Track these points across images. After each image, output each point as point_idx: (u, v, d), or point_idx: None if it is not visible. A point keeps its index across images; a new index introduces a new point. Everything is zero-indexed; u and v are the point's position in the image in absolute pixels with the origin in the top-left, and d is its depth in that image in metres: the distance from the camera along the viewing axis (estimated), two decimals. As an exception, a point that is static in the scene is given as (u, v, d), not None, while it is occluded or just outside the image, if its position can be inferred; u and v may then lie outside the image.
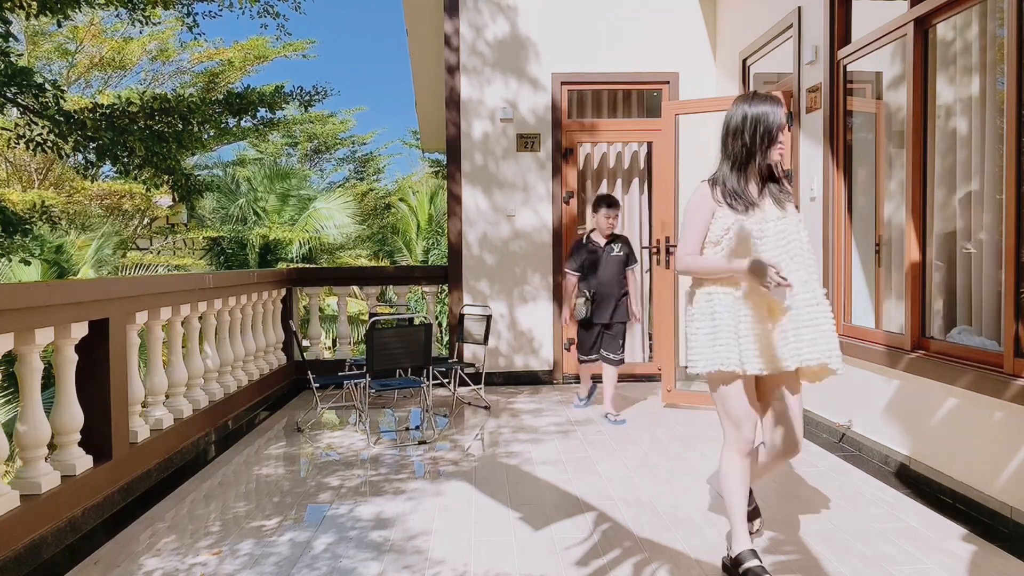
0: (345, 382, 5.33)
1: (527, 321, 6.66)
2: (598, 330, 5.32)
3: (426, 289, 7.15)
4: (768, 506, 3.42)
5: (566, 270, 5.47)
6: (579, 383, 6.75)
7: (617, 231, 5.48)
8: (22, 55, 13.37)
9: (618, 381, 6.61)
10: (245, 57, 16.87)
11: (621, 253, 5.29)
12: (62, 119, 7.06)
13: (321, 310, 8.73)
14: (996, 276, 3.43)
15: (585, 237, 5.38)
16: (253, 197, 16.72)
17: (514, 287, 6.66)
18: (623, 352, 5.36)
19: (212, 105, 8.58)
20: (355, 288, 8.95)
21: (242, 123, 10.97)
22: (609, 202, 5.28)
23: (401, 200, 20.09)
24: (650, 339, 6.94)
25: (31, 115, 7.25)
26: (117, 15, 11.95)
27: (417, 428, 5.13)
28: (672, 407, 5.60)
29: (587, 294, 5.25)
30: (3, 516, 2.72)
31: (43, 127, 7.29)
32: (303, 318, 11.05)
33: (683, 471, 4.02)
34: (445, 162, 8.66)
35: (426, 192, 18.90)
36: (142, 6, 7.75)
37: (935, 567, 2.76)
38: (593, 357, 5.40)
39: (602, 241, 5.31)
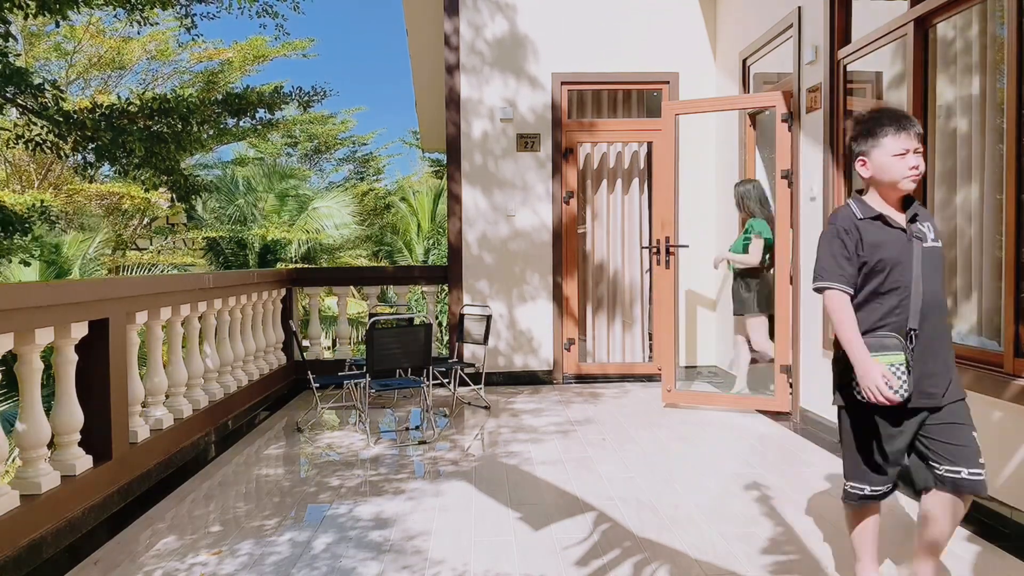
0: (345, 382, 5.33)
1: (527, 321, 6.66)
2: (922, 419, 2.34)
3: (426, 289, 7.15)
4: (768, 506, 3.43)
5: (828, 284, 2.36)
6: (578, 383, 6.71)
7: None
8: (20, 55, 13.37)
9: (619, 380, 6.64)
10: (244, 57, 16.87)
11: (939, 242, 2.40)
12: (61, 119, 7.06)
13: (320, 311, 8.72)
14: (996, 276, 3.43)
15: (857, 207, 2.40)
16: (253, 198, 16.72)
17: (513, 287, 6.66)
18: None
19: (211, 106, 8.58)
20: (354, 288, 8.94)
21: (241, 123, 10.98)
22: (900, 120, 2.34)
23: (402, 200, 20.10)
24: (650, 339, 6.94)
25: (30, 115, 7.25)
26: (116, 15, 11.96)
27: (417, 428, 5.13)
28: (672, 407, 5.60)
29: (900, 338, 2.28)
30: (3, 516, 2.72)
31: (42, 127, 7.29)
32: (303, 318, 11.04)
33: (683, 471, 4.02)
34: (445, 162, 8.65)
35: (427, 192, 18.89)
36: (140, 6, 7.75)
37: (935, 567, 2.76)
38: (887, 487, 2.43)
39: (898, 216, 2.39)
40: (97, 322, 3.42)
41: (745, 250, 5.48)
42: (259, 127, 13.63)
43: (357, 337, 14.98)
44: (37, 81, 7.11)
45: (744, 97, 5.94)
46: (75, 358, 3.29)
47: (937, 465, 2.31)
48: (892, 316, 2.33)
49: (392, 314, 7.36)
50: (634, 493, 3.65)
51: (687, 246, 5.97)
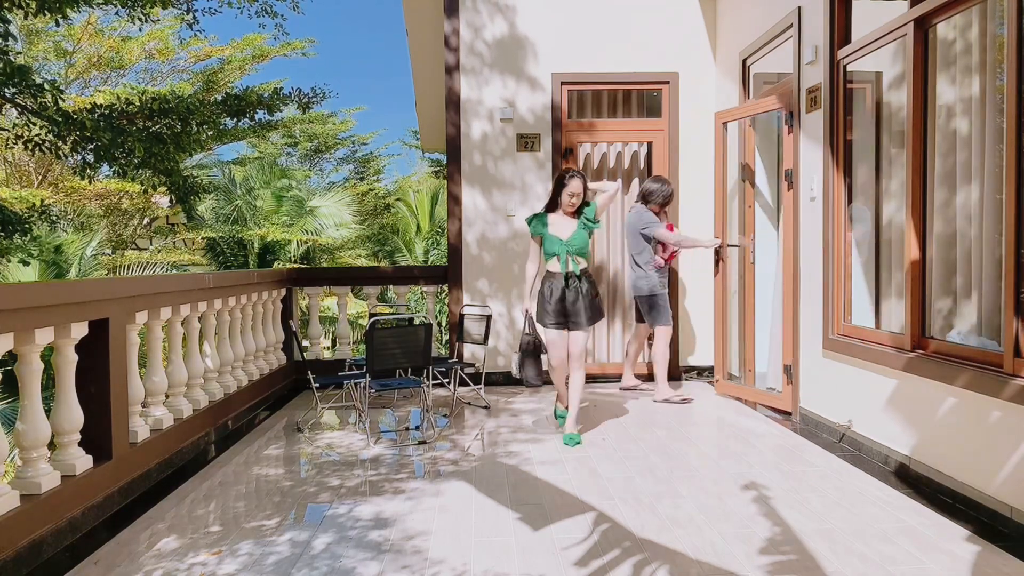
0: (345, 382, 5.33)
1: (527, 321, 6.65)
2: None
3: (426, 289, 7.15)
4: (768, 506, 3.43)
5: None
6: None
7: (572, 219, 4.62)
8: (20, 54, 13.36)
9: (618, 380, 6.64)
10: (244, 57, 16.86)
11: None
12: (60, 119, 7.04)
13: (320, 311, 8.71)
14: (996, 276, 3.43)
15: None
16: (252, 198, 16.71)
17: (513, 287, 6.65)
18: None
19: (211, 106, 8.57)
20: (350, 289, 8.94)
21: (240, 124, 10.98)
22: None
23: (400, 200, 20.10)
24: (650, 339, 6.93)
25: (29, 115, 7.24)
26: (116, 13, 11.95)
27: (417, 428, 5.13)
28: (725, 396, 5.89)
29: None
30: (3, 516, 2.72)
31: (41, 127, 7.28)
32: (303, 318, 11.03)
33: (683, 471, 4.02)
34: (445, 162, 8.65)
35: (427, 192, 18.89)
36: (141, 4, 7.74)
37: (935, 567, 2.76)
38: None
39: None
40: (97, 322, 3.42)
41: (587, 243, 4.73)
42: (259, 128, 13.65)
43: (357, 337, 14.98)
44: (37, 81, 7.10)
45: (772, 99, 5.93)
46: (75, 358, 3.29)
47: None
48: None
49: (392, 314, 7.36)
50: (634, 493, 3.64)
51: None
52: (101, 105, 7.75)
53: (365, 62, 64.94)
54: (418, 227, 18.60)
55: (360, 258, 19.27)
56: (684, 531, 3.14)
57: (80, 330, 3.29)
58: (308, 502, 3.60)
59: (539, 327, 4.77)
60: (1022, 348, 3.10)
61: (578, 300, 4.60)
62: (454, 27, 6.59)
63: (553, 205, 4.72)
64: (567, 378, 4.77)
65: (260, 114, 9.36)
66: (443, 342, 7.68)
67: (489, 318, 5.77)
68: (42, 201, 9.37)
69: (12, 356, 3.12)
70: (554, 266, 4.65)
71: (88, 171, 8.07)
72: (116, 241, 16.08)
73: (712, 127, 6.78)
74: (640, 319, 6.09)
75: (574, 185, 4.61)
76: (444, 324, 10.68)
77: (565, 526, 3.22)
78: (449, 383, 6.00)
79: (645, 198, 5.94)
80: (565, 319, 4.63)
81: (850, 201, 4.58)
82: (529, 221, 4.75)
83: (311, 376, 5.09)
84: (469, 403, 5.91)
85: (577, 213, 4.68)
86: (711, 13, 6.71)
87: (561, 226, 4.66)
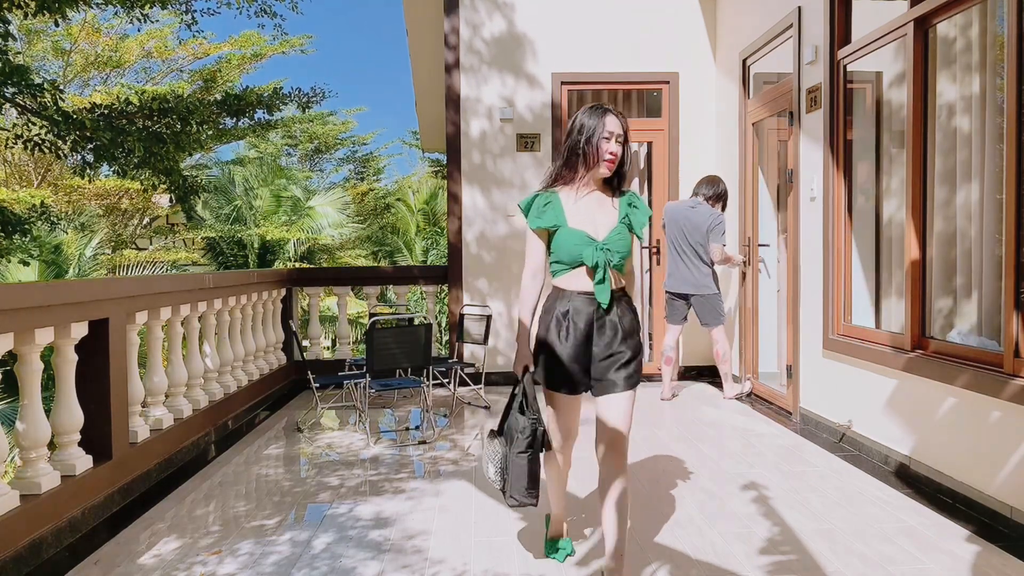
0: (345, 382, 5.33)
1: (527, 321, 6.65)
2: None
3: (425, 289, 7.15)
4: (768, 506, 3.43)
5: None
6: None
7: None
8: (20, 54, 13.36)
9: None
10: (243, 56, 16.86)
11: None
12: (60, 119, 7.04)
13: (320, 311, 8.73)
14: (996, 276, 3.43)
15: None
16: (251, 197, 16.71)
17: (512, 286, 6.65)
18: None
19: (210, 106, 8.58)
20: (352, 288, 8.94)
21: (240, 123, 10.99)
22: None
23: (399, 200, 20.11)
24: (650, 339, 6.94)
25: (29, 115, 7.24)
26: (115, 14, 11.95)
27: (417, 428, 5.13)
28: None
29: None
30: (3, 516, 2.72)
31: (41, 127, 7.28)
32: (303, 318, 11.03)
33: (683, 471, 4.02)
34: (445, 162, 8.65)
35: (425, 191, 18.91)
36: (140, 4, 7.74)
37: (935, 567, 2.76)
38: None
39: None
40: (97, 322, 3.42)
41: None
42: (258, 127, 13.67)
43: (357, 337, 14.98)
44: (37, 81, 7.10)
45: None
46: (75, 358, 3.29)
47: None
48: None
49: (392, 314, 7.36)
50: (634, 493, 3.64)
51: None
52: (100, 105, 7.76)
53: (365, 62, 64.98)
54: (418, 227, 18.61)
55: (360, 258, 19.28)
56: (684, 531, 3.14)
57: (80, 330, 3.29)
58: (308, 502, 3.60)
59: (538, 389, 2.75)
60: (1022, 348, 3.10)
61: (614, 344, 2.63)
62: (453, 25, 6.59)
63: (568, 174, 2.54)
64: (569, 471, 3.00)
65: (260, 114, 9.37)
66: (443, 342, 7.67)
67: (489, 318, 5.77)
68: (42, 202, 9.37)
69: (12, 356, 3.12)
70: (576, 282, 2.55)
71: (88, 170, 8.07)
72: (116, 241, 16.08)
73: (711, 128, 6.78)
74: (677, 320, 5.83)
75: (611, 123, 2.46)
76: (444, 324, 10.68)
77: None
78: (449, 383, 6.00)
79: (707, 199, 5.76)
80: (587, 376, 2.73)
81: (850, 201, 4.58)
82: (527, 206, 2.58)
83: (311, 376, 5.08)
84: (469, 403, 5.91)
85: (610, 188, 2.58)
86: (711, 13, 6.71)
87: (589, 214, 2.52)
